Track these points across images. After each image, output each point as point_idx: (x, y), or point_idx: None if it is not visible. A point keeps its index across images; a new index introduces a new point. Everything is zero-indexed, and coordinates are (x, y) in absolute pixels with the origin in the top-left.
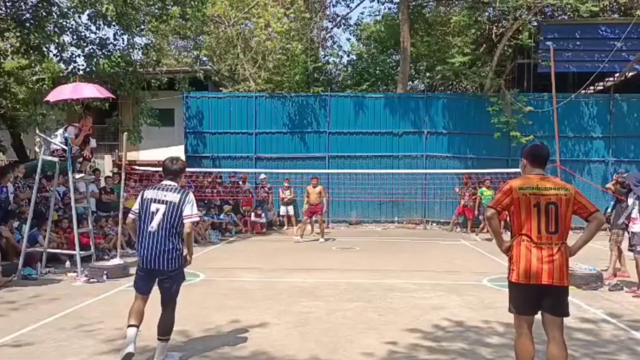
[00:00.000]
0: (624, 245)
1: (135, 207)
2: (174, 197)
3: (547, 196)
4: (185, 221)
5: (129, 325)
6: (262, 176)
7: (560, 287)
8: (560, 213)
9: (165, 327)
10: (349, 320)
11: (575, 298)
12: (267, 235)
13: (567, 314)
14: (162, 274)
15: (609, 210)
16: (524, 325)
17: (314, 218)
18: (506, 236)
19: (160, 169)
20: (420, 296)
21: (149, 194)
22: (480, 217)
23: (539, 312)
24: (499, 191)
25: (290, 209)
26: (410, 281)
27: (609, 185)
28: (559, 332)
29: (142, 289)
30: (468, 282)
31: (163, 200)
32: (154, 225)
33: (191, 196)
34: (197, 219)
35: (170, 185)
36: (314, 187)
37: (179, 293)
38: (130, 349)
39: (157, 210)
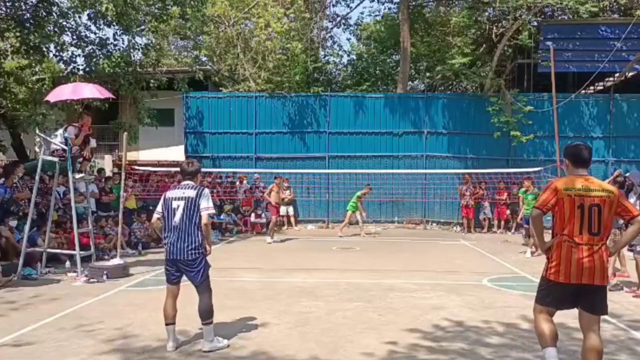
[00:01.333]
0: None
1: (159, 208)
2: (191, 193)
3: (592, 198)
4: (202, 213)
5: (166, 324)
6: (256, 176)
7: (600, 286)
8: (603, 215)
9: (204, 312)
10: (349, 320)
11: None
12: (267, 235)
13: (606, 312)
14: (184, 264)
15: None
16: (544, 311)
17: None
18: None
19: (160, 169)
20: (420, 296)
21: (170, 194)
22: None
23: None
24: (544, 191)
25: (290, 209)
26: (410, 281)
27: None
28: (597, 330)
29: (170, 280)
30: (468, 282)
31: (182, 197)
32: (176, 220)
33: (206, 191)
34: (213, 211)
35: (187, 184)
36: (278, 186)
37: (208, 279)
38: (169, 347)
39: (178, 206)
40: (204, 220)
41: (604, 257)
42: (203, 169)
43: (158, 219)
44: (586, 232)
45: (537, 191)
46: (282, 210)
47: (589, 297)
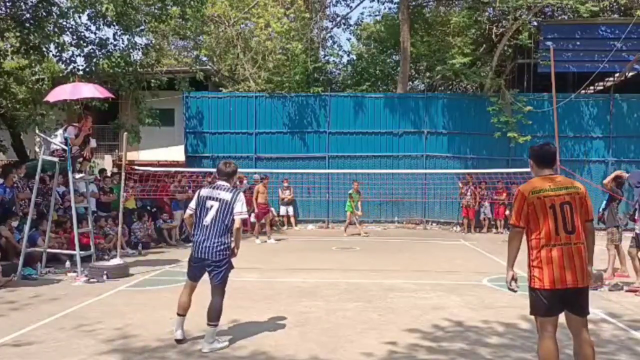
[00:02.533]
0: (624, 244)
1: (192, 204)
2: (227, 196)
3: (561, 196)
4: (235, 217)
5: (177, 314)
6: (256, 176)
7: (584, 288)
8: (574, 212)
9: (212, 313)
10: (349, 320)
11: None
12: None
13: (589, 312)
14: (210, 263)
15: (601, 209)
16: (548, 328)
17: (262, 220)
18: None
19: (160, 169)
20: (420, 296)
21: (205, 192)
22: None
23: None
24: (514, 203)
25: (290, 209)
26: (410, 281)
27: (606, 182)
28: (586, 329)
29: (192, 277)
30: (468, 282)
31: (217, 198)
32: (208, 219)
33: (241, 195)
34: (246, 216)
35: (224, 185)
36: (265, 186)
37: (226, 282)
38: (178, 335)
39: (212, 206)
40: (237, 225)
41: (583, 256)
42: (203, 169)
43: (191, 215)
44: (562, 231)
45: None
46: (282, 210)
47: (575, 300)
